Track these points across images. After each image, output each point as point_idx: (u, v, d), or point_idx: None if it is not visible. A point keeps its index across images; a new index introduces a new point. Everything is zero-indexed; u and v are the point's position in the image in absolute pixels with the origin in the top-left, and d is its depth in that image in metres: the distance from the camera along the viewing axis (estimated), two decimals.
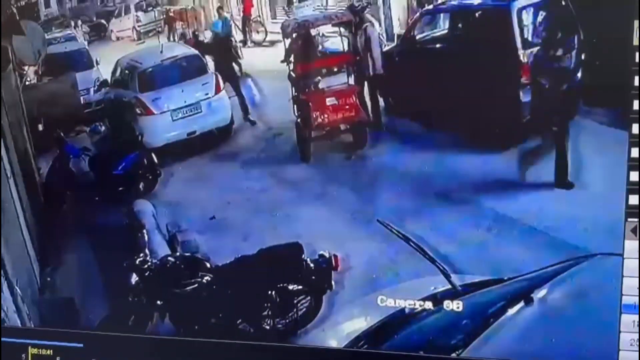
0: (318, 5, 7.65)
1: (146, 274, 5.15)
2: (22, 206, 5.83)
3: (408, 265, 4.60)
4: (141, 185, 6.39)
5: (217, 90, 6.90)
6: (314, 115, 6.48)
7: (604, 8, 5.26)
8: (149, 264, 5.17)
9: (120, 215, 5.96)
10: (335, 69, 6.88)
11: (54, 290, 5.76)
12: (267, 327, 4.99)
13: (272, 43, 7.47)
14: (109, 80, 7.50)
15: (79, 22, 7.88)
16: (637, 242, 3.62)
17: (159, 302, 5.09)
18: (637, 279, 3.59)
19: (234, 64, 7.07)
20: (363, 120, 6.54)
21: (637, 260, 3.59)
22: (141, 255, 5.25)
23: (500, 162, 5.89)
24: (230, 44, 7.12)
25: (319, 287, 4.90)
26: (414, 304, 4.18)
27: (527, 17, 6.11)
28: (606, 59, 4.89)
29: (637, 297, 3.54)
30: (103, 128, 6.91)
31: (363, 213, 5.51)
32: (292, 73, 6.75)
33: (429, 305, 4.15)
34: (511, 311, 3.78)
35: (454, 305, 4.06)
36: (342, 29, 6.90)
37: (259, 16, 7.98)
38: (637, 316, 3.57)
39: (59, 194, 6.49)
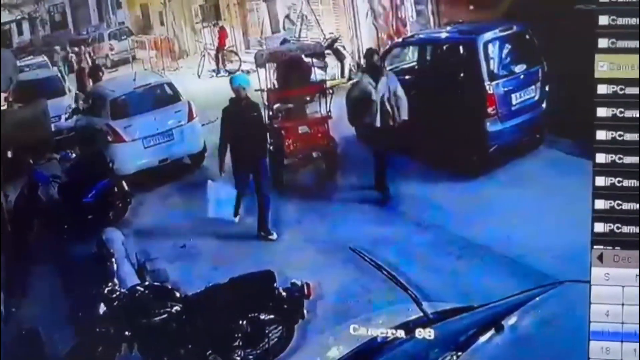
0: (290, 37, 7.74)
1: (114, 303, 4.95)
2: None
3: (380, 293, 4.54)
4: (111, 213, 6.24)
5: (190, 118, 6.84)
6: (287, 143, 6.46)
7: (567, 42, 5.41)
8: (118, 293, 4.97)
9: (89, 244, 5.78)
10: (308, 98, 6.92)
11: (19, 321, 5.51)
12: (238, 358, 4.82)
13: (246, 72, 7.48)
14: (81, 107, 7.40)
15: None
16: (602, 269, 3.63)
17: (127, 333, 4.88)
18: (606, 305, 3.59)
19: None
20: (334, 149, 6.58)
21: (604, 287, 3.60)
22: (109, 284, 5.05)
23: (469, 190, 5.93)
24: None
25: (291, 316, 4.78)
26: (387, 333, 4.10)
27: (493, 50, 6.27)
28: (569, 90, 5.00)
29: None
30: (74, 155, 6.76)
31: (335, 240, 5.46)
32: (265, 102, 6.76)
33: (401, 333, 4.07)
34: (482, 338, 3.69)
35: (425, 334, 3.98)
36: (314, 60, 6.96)
37: (233, 46, 8.03)
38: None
39: (26, 221, 6.27)
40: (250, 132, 5.91)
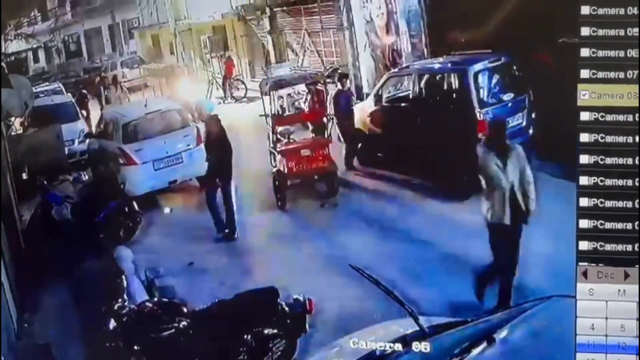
0: (293, 67, 7.95)
1: (124, 319, 4.99)
2: (1, 251, 5.67)
3: (379, 308, 4.59)
4: (122, 232, 6.34)
5: (198, 142, 7.00)
6: (290, 166, 6.62)
7: (551, 72, 5.58)
8: (127, 309, 5.03)
9: (100, 262, 5.84)
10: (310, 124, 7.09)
11: (31, 336, 5.54)
12: None
13: (251, 99, 7.66)
14: (94, 131, 7.54)
15: None
16: (587, 284, 3.73)
17: (136, 348, 4.91)
18: (591, 319, 3.68)
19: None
20: (334, 171, 6.72)
21: (589, 302, 3.69)
22: (119, 300, 5.10)
23: (462, 210, 6.04)
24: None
25: (294, 330, 4.81)
26: (385, 346, 4.15)
27: (483, 80, 6.47)
28: (554, 117, 5.14)
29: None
30: (86, 177, 6.87)
31: (336, 258, 5.56)
32: (270, 127, 6.93)
33: (398, 347, 4.12)
34: (475, 351, 3.76)
35: (422, 347, 4.04)
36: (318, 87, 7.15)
37: (240, 75, 8.23)
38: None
39: (40, 240, 6.36)
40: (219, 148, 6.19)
